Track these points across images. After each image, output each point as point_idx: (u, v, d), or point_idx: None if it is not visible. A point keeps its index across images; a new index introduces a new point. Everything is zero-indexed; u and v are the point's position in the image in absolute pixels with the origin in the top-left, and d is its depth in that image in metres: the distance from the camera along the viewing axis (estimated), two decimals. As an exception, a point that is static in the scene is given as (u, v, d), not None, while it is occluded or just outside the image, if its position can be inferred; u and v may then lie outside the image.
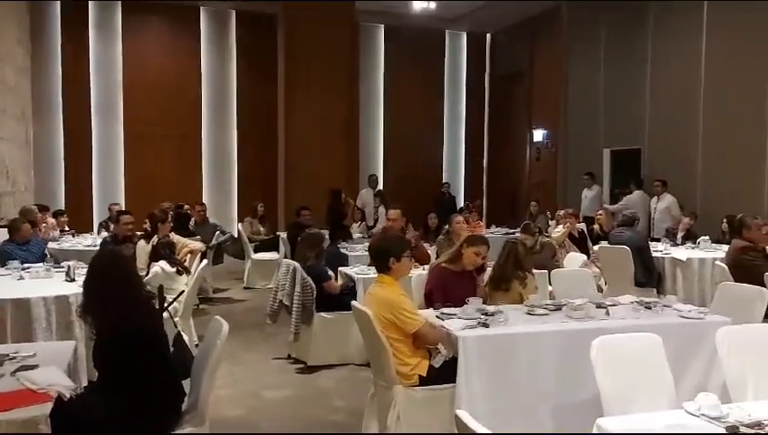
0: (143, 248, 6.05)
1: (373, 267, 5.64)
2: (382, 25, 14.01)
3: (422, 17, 13.03)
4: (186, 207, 9.30)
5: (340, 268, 6.18)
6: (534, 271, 5.04)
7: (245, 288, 9.21)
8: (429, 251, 6.62)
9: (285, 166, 12.36)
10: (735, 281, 5.19)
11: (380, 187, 12.88)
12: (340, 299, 5.42)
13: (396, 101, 13.96)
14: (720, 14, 9.28)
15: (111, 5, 12.26)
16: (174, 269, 5.43)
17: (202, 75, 12.92)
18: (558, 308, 4.18)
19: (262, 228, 9.92)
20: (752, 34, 8.68)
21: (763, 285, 4.69)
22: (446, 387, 3.62)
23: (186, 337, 5.09)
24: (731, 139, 9.07)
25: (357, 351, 5.37)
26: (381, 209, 10.64)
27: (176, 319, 4.95)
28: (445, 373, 3.64)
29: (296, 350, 5.76)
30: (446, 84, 14.80)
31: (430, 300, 4.49)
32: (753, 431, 2.20)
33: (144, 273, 5.52)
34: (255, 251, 9.40)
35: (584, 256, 7.11)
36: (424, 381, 3.65)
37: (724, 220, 7.74)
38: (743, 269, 5.46)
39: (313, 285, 5.48)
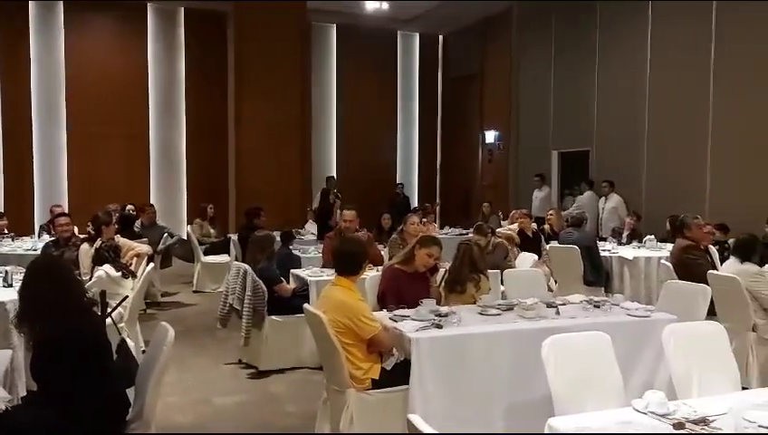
0: (86, 252, 5.83)
1: (326, 270, 5.65)
2: (334, 25, 13.95)
3: (374, 17, 13.03)
4: (129, 207, 9.00)
5: (292, 271, 6.09)
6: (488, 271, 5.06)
7: (195, 292, 8.99)
8: (382, 252, 6.60)
9: (236, 167, 12.16)
10: (680, 279, 5.33)
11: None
12: (293, 302, 5.34)
13: (349, 101, 13.92)
14: (664, 21, 9.57)
15: (53, 3, 11.84)
16: (119, 273, 5.24)
17: (149, 74, 12.59)
18: (510, 308, 4.22)
19: (212, 230, 9.71)
20: (694, 41, 8.97)
21: (706, 283, 4.84)
22: (400, 389, 3.60)
23: (131, 343, 4.93)
24: (675, 141, 9.36)
25: (310, 355, 5.29)
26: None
27: (120, 325, 4.80)
28: (397, 376, 3.61)
29: (247, 354, 5.64)
30: (399, 85, 14.85)
31: (383, 302, 4.45)
32: (698, 428, 2.25)
33: (87, 277, 5.31)
34: (205, 254, 9.20)
35: (535, 256, 7.21)
36: (376, 384, 3.62)
37: (668, 220, 7.95)
38: (686, 268, 5.61)
39: (264, 289, 5.38)
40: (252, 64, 11.90)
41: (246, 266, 5.41)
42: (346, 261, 3.83)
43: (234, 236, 9.09)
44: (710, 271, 5.30)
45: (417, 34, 14.92)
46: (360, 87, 13.84)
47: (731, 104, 8.50)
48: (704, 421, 2.30)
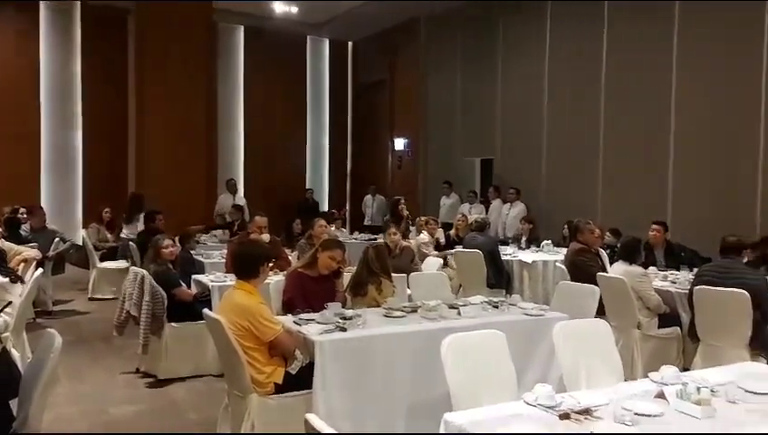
0: (-34, 257, 5.40)
1: (230, 275, 5.52)
2: (242, 27, 13.70)
3: (283, 21, 12.92)
4: (6, 210, 8.43)
5: (193, 276, 5.92)
6: (394, 275, 5.14)
7: (91, 299, 8.55)
8: (290, 257, 6.55)
9: (137, 169, 11.68)
10: (573, 280, 5.63)
11: (241, 192, 12.58)
12: (194, 308, 5.18)
13: (256, 104, 13.69)
14: (560, 40, 10.10)
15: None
16: (6, 279, 4.88)
17: (41, 72, 11.88)
18: (414, 310, 4.30)
19: (109, 235, 9.28)
20: (587, 60, 9.52)
21: (597, 284, 5.15)
22: (303, 393, 3.58)
23: (17, 354, 4.64)
24: (570, 151, 9.89)
25: (213, 361, 5.16)
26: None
27: (5, 334, 4.50)
28: (302, 379, 3.60)
29: (146, 363, 5.43)
30: (308, 89, 14.77)
31: (290, 307, 4.40)
32: (582, 417, 2.39)
33: (-33, 284, 4.93)
34: (102, 259, 8.77)
35: (440, 260, 7.41)
36: (281, 389, 3.58)
37: (566, 225, 8.39)
38: (578, 270, 5.94)
39: (164, 294, 5.20)
40: (155, 64, 11.48)
41: (144, 271, 5.22)
42: (243, 264, 3.77)
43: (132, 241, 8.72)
44: (600, 273, 5.63)
45: (327, 40, 14.93)
46: (269, 90, 13.65)
47: (620, 117, 9.08)
48: (587, 411, 2.44)
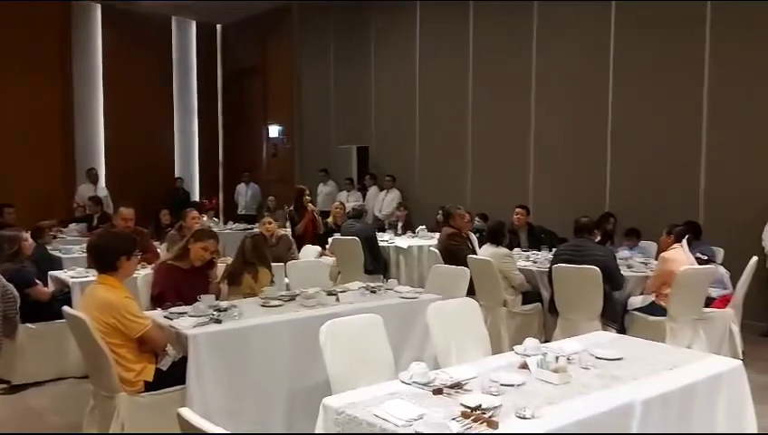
0: None
1: (92, 270, 5.19)
2: (99, 5, 12.76)
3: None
4: None
5: (50, 272, 5.51)
6: (272, 264, 5.08)
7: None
8: (159, 250, 6.27)
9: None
10: (445, 263, 5.87)
11: (103, 182, 11.82)
12: (52, 307, 4.82)
13: (118, 89, 12.79)
14: (431, 35, 10.40)
15: None
16: None
17: None
18: (292, 298, 4.29)
19: (-51, 231, 8.34)
20: (456, 50, 9.89)
21: (467, 266, 5.40)
22: (176, 389, 3.46)
23: None
24: (441, 141, 10.25)
25: (76, 363, 4.83)
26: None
27: None
28: (174, 375, 3.47)
29: (-2, 369, 4.99)
30: (174, 74, 14.04)
31: (161, 301, 4.21)
32: (453, 391, 2.52)
33: None
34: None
35: (319, 248, 7.42)
36: (152, 387, 3.43)
37: (440, 210, 8.69)
38: (450, 253, 6.20)
39: (16, 293, 4.78)
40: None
41: (-8, 269, 4.77)
42: (99, 256, 3.57)
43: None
44: (470, 255, 5.91)
45: (194, 22, 14.27)
46: (131, 73, 12.78)
47: (486, 108, 9.54)
48: (458, 385, 2.58)
